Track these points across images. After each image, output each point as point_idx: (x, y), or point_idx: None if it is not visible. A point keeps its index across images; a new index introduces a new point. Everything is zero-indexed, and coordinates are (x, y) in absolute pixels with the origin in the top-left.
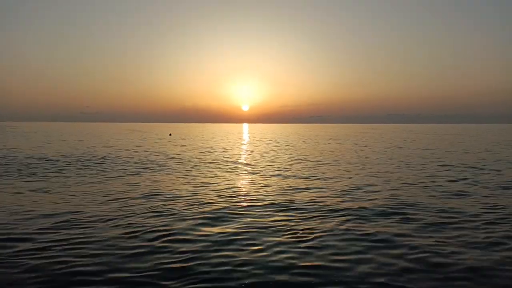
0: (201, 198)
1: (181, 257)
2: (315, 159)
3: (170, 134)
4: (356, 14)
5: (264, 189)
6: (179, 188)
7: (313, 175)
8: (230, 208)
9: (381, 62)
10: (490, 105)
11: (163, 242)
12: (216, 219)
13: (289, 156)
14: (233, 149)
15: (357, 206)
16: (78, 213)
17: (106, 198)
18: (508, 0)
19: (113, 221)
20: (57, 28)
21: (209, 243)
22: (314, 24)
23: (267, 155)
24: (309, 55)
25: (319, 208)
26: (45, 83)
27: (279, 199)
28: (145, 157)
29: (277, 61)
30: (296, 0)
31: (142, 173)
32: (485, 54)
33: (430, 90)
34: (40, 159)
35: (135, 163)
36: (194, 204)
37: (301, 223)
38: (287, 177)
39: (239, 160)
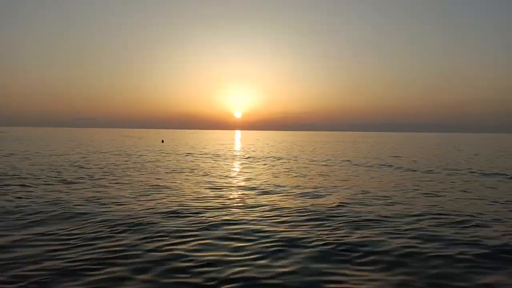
0: None
1: None
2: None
3: (162, 141)
4: (349, 22)
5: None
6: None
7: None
8: None
9: (373, 70)
10: (483, 115)
11: None
12: None
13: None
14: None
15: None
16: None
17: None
18: (499, 10)
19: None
20: (52, 30)
21: None
22: (307, 32)
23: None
24: (302, 63)
25: None
26: (36, 87)
27: None
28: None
29: (271, 68)
30: (290, 8)
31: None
32: (478, 63)
33: (424, 99)
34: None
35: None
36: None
37: None
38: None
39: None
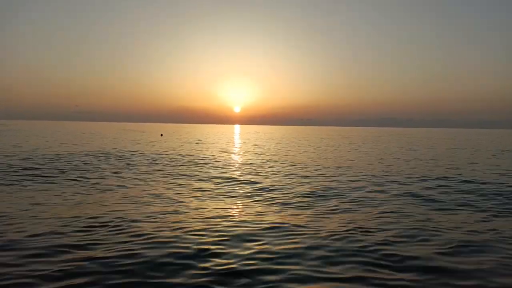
0: None
1: None
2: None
3: (161, 135)
4: (348, 18)
5: None
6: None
7: None
8: None
9: (373, 66)
10: (482, 111)
11: None
12: None
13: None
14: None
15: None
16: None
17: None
18: (498, 9)
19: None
20: (52, 27)
21: None
22: (307, 29)
23: None
24: (301, 59)
25: None
26: (34, 81)
27: None
28: None
29: (271, 64)
30: (290, 6)
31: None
32: (476, 60)
33: (422, 94)
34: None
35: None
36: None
37: None
38: None
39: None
